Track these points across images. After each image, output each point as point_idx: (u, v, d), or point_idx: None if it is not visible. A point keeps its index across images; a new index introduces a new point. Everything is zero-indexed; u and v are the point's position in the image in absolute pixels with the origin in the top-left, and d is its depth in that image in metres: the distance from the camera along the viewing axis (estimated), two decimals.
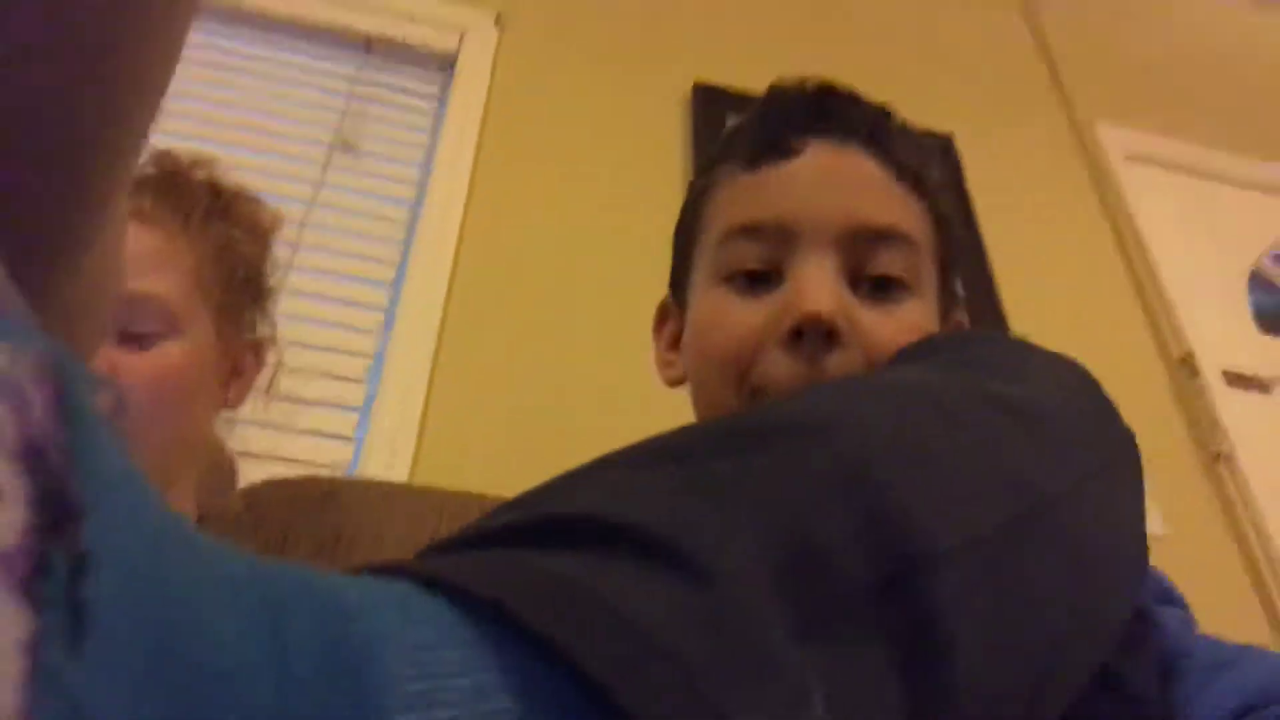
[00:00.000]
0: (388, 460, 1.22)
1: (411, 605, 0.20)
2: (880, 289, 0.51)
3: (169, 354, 0.69)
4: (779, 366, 0.49)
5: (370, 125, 1.63)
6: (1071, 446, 0.37)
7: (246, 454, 1.16)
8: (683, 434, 0.30)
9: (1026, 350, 0.47)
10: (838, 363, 0.49)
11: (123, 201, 0.29)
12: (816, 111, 0.56)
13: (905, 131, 0.57)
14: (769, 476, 0.27)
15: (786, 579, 0.24)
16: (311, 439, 1.24)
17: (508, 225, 1.54)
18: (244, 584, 0.16)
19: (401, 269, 1.46)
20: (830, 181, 0.53)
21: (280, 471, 1.07)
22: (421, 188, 1.57)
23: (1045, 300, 1.71)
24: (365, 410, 1.30)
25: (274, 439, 1.21)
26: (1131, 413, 1.60)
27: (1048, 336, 1.72)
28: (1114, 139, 2.03)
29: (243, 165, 1.49)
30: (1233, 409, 1.61)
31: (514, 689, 0.19)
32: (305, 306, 1.37)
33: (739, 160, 0.57)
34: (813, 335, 0.48)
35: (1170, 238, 1.88)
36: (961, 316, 0.59)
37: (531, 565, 0.22)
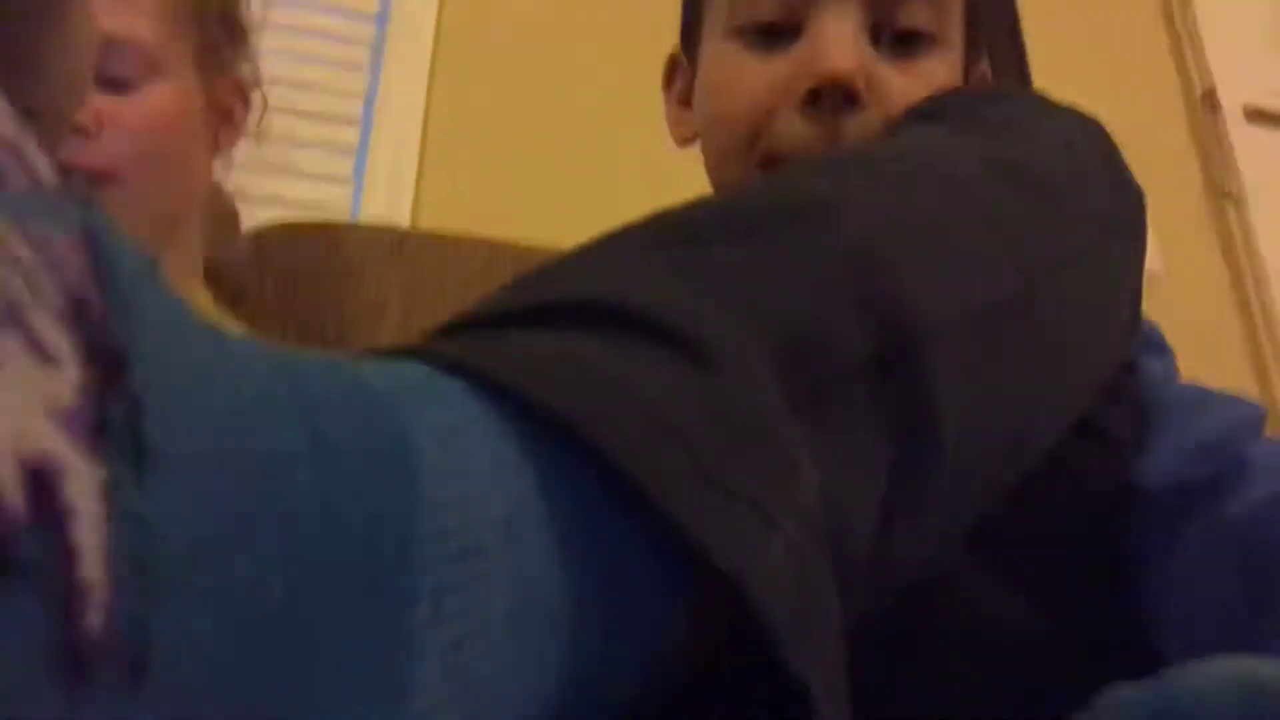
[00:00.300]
0: (388, 201, 1.21)
1: (436, 390, 0.21)
2: (904, 43, 0.49)
3: (155, 96, 0.67)
4: (794, 130, 0.47)
5: None
6: (1075, 214, 0.37)
7: (245, 198, 1.15)
8: (689, 214, 0.30)
9: (1041, 111, 0.46)
10: (857, 125, 0.47)
11: None
12: None
13: None
14: (773, 262, 0.28)
15: (787, 360, 0.26)
16: (310, 182, 1.23)
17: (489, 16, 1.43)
18: (281, 389, 0.17)
19: (386, 4, 1.37)
20: None
21: (281, 215, 1.07)
22: None
23: (1067, 27, 1.62)
24: (362, 151, 1.27)
25: (272, 183, 1.20)
26: (1146, 148, 1.58)
27: (1067, 67, 1.66)
28: None
29: None
30: (1251, 147, 1.57)
31: (536, 468, 0.20)
32: (289, 41, 1.31)
33: None
34: (832, 97, 0.46)
35: None
36: (985, 68, 0.56)
37: (544, 349, 0.23)
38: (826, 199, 0.31)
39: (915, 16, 0.49)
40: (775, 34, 0.49)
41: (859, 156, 0.37)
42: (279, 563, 0.15)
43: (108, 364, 0.13)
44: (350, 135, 1.28)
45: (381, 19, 1.36)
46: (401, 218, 1.20)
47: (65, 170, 0.54)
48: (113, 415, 0.13)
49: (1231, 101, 1.60)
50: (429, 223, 1.18)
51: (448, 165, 1.26)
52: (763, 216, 0.30)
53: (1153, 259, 1.45)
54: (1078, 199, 0.39)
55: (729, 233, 0.29)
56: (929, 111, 0.45)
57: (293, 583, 0.15)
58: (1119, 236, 0.41)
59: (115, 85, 0.66)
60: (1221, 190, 1.55)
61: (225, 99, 0.76)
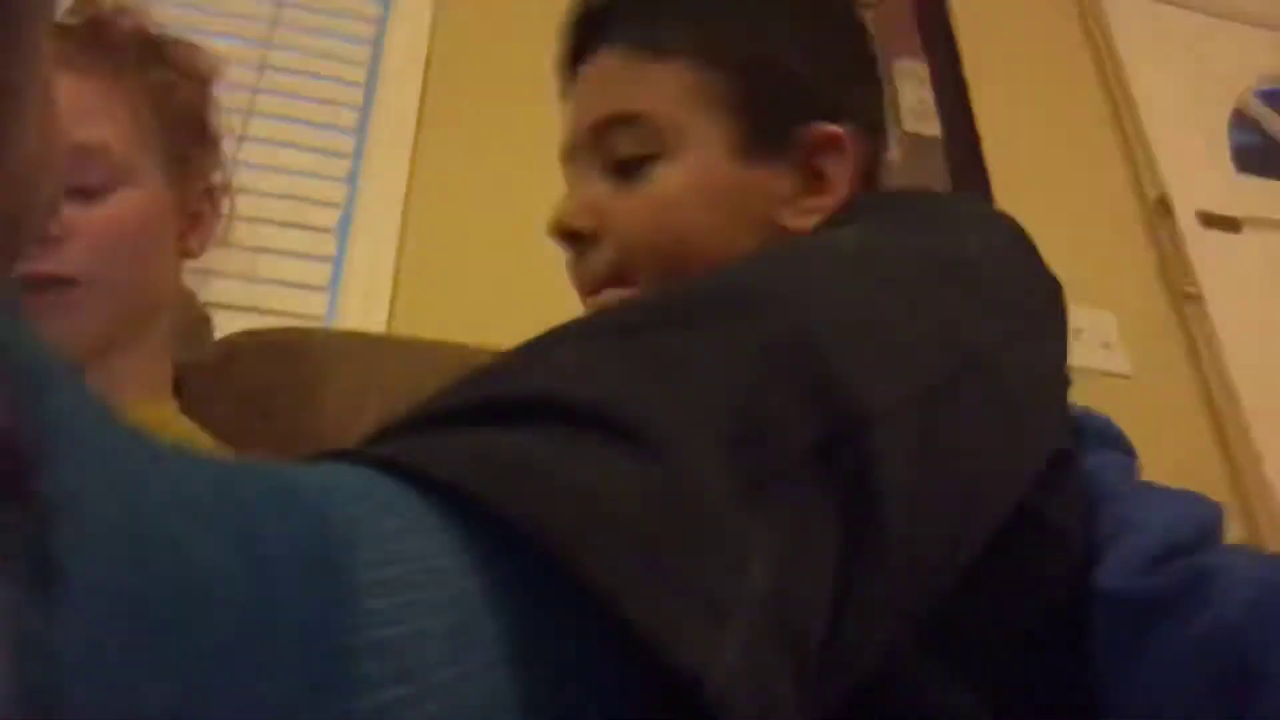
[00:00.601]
0: (363, 310, 1.22)
1: (376, 491, 0.20)
2: (626, 171, 0.55)
3: (120, 204, 0.68)
4: (569, 268, 0.59)
5: None
6: (1001, 302, 0.39)
7: (221, 306, 1.15)
8: (627, 309, 0.31)
9: (954, 205, 0.48)
10: (593, 259, 0.56)
11: (46, 48, 0.28)
12: (573, 40, 0.61)
13: (656, 3, 0.58)
14: (713, 351, 0.28)
15: (732, 448, 0.25)
16: (286, 290, 1.23)
17: (475, 60, 1.48)
18: (212, 497, 0.16)
19: (365, 112, 1.41)
20: (580, 96, 0.60)
21: (256, 323, 1.06)
22: (381, 26, 1.49)
23: (1023, 135, 1.69)
24: (338, 260, 1.28)
25: (248, 291, 1.20)
26: (1104, 252, 1.62)
27: (1024, 172, 1.71)
28: None
29: (193, 4, 1.41)
30: (1205, 250, 1.62)
31: (478, 568, 0.20)
32: (268, 155, 1.33)
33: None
34: (564, 243, 0.57)
35: (1155, 73, 1.84)
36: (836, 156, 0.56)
37: (486, 446, 0.22)
38: (759, 290, 0.32)
39: (623, 146, 0.56)
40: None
41: (788, 251, 0.38)
42: (205, 693, 0.14)
43: (16, 470, 0.12)
44: (327, 244, 1.29)
45: (360, 132, 1.39)
46: (377, 326, 1.20)
47: (32, 279, 0.54)
48: (18, 530, 0.12)
49: (1184, 207, 1.66)
50: (404, 331, 1.18)
51: (423, 274, 1.27)
52: (699, 308, 0.30)
53: (1119, 361, 1.49)
54: (1001, 288, 0.40)
55: (667, 325, 0.29)
56: (849, 213, 0.48)
57: (221, 713, 0.14)
58: (1043, 324, 0.43)
59: (83, 194, 0.66)
60: (1182, 292, 1.59)
61: (195, 204, 0.77)
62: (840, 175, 0.56)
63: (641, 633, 0.20)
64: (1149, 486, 0.53)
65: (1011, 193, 1.59)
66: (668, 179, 0.54)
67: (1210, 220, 1.67)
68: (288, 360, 0.93)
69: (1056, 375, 0.44)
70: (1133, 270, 1.62)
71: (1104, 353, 1.50)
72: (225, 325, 1.00)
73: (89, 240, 0.65)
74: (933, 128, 1.62)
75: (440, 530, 0.20)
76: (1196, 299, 1.57)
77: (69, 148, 0.66)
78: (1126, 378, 1.48)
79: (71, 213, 0.65)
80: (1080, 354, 1.48)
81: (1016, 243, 0.46)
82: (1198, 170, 1.74)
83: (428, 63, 1.44)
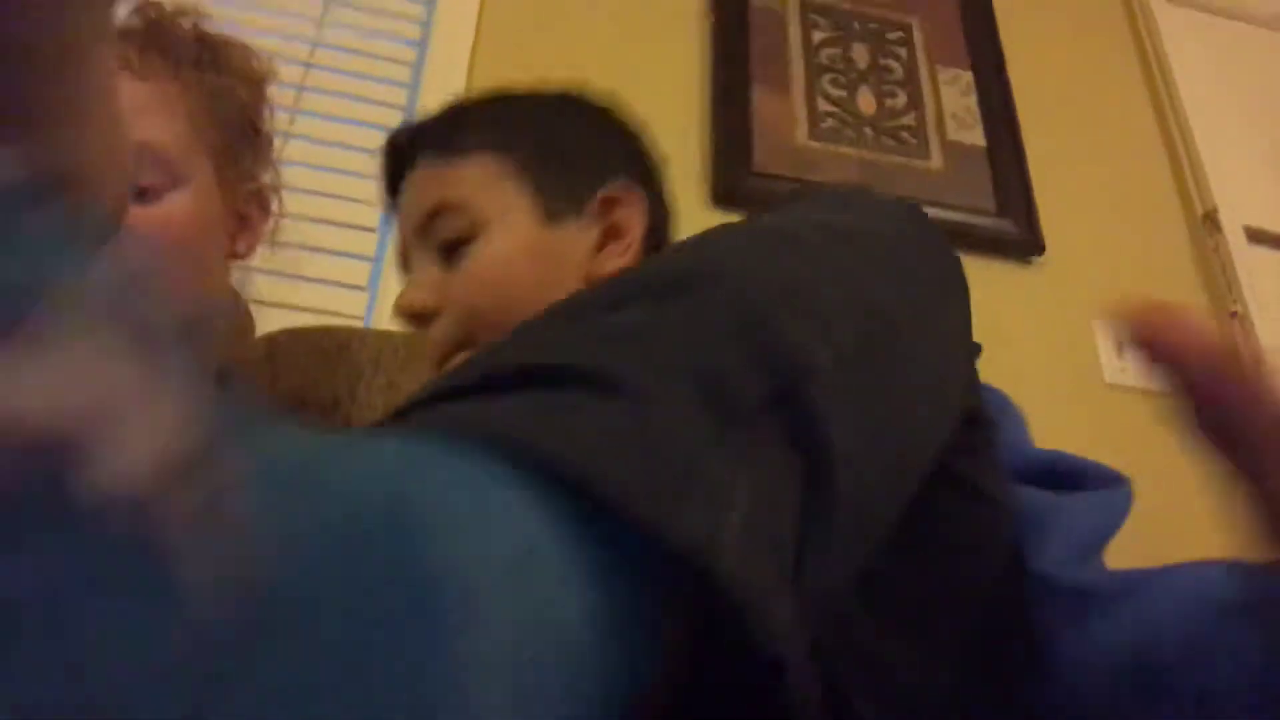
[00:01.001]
0: None
1: (447, 454, 0.24)
2: (453, 251, 0.65)
3: (174, 205, 0.69)
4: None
5: None
6: (902, 269, 0.44)
7: (261, 303, 1.17)
8: (606, 289, 0.36)
9: (859, 192, 0.54)
10: (438, 332, 0.65)
11: (109, 50, 0.30)
12: (390, 166, 0.73)
13: (449, 113, 0.72)
14: (668, 320, 0.33)
15: (700, 399, 0.29)
16: (326, 288, 1.25)
17: (516, 64, 1.48)
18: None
19: (409, 112, 1.42)
20: (404, 206, 0.70)
21: (295, 320, 1.08)
22: (426, 27, 1.50)
23: (1071, 151, 1.67)
24: (378, 259, 1.29)
25: (289, 288, 1.22)
26: (1148, 267, 1.60)
27: (1070, 189, 1.70)
28: None
29: (240, 3, 1.43)
30: (1252, 267, 1.59)
31: (533, 511, 0.23)
32: (314, 153, 1.34)
33: None
34: (411, 323, 0.66)
35: (1205, 86, 1.80)
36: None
37: (521, 409, 0.27)
38: (697, 268, 0.37)
39: (443, 231, 0.65)
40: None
41: (731, 232, 0.44)
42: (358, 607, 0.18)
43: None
44: (368, 244, 1.31)
45: None
46: None
47: None
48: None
49: (1232, 223, 1.63)
50: None
51: None
52: (663, 284, 0.35)
53: (1163, 379, 1.46)
54: (908, 258, 0.45)
55: (636, 299, 0.34)
56: (780, 207, 0.52)
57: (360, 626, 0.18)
58: (943, 291, 0.48)
59: (139, 194, 0.68)
60: (1228, 311, 1.56)
61: (244, 206, 0.78)
62: (632, 222, 0.68)
63: (649, 526, 0.23)
64: (1049, 453, 0.60)
65: (1055, 204, 1.57)
66: (488, 251, 0.64)
67: (1258, 236, 1.64)
68: (327, 359, 0.94)
69: (960, 338, 0.49)
70: (1178, 286, 1.59)
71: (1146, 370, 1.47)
72: (266, 322, 1.01)
73: (143, 240, 0.67)
74: (976, 137, 1.60)
75: (502, 482, 0.23)
76: (1242, 318, 1.54)
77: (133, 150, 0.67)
78: (1168, 395, 1.46)
79: (130, 213, 0.67)
80: (1123, 371, 1.46)
81: (917, 222, 0.50)
82: (1247, 185, 1.71)
83: (471, 64, 1.45)
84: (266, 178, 0.82)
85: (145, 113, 0.69)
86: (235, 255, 0.78)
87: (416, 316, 0.66)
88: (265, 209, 0.81)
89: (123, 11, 0.78)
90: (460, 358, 0.64)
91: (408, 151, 0.71)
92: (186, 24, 0.77)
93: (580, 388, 0.27)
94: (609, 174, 0.68)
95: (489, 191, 0.66)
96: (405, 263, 0.70)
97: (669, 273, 0.36)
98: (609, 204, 0.67)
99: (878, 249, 0.43)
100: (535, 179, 0.66)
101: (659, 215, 0.72)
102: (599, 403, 0.27)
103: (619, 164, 0.70)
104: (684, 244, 0.42)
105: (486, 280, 0.64)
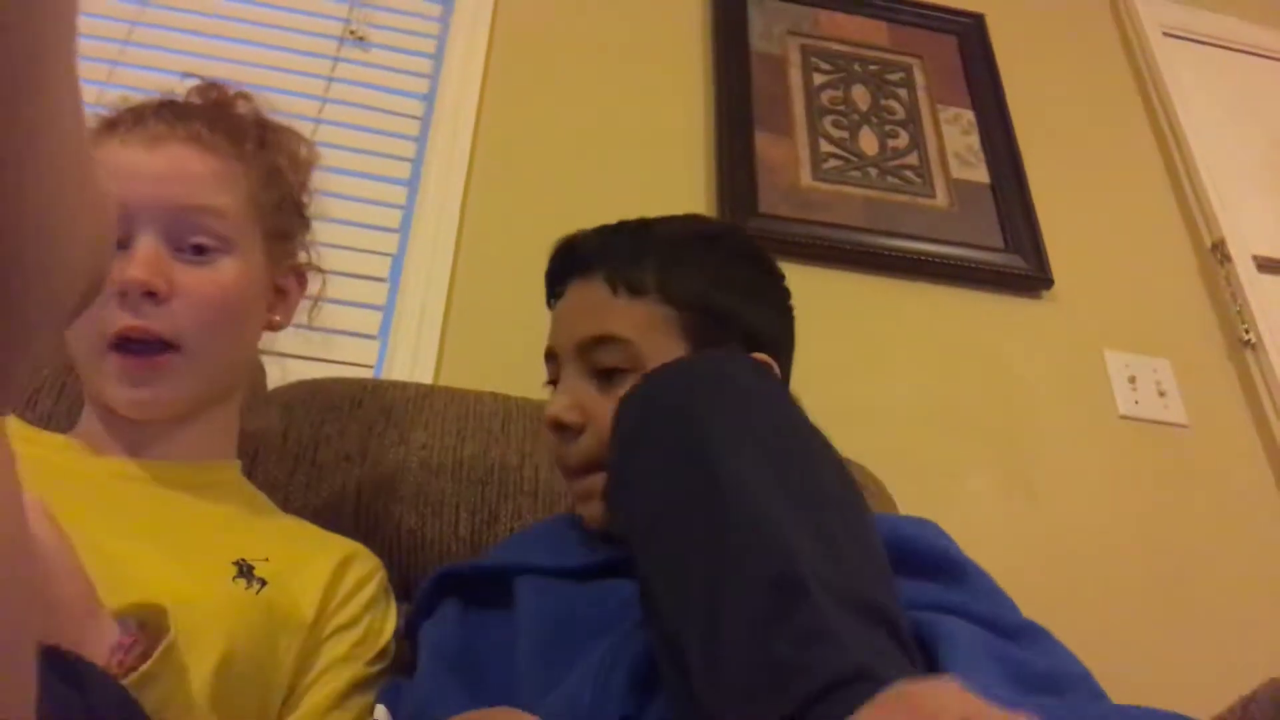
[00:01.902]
0: (412, 357, 1.23)
1: None
2: (608, 377, 0.72)
3: (225, 270, 0.72)
4: (554, 451, 0.77)
5: (380, 15, 1.59)
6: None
7: (272, 353, 1.18)
8: (815, 480, 0.52)
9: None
10: (578, 447, 0.72)
11: (77, 96, 0.28)
12: (562, 265, 0.80)
13: (631, 243, 0.77)
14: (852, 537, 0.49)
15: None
16: (337, 337, 1.25)
17: (523, 116, 1.51)
18: None
19: (417, 165, 1.44)
20: (568, 311, 0.77)
21: (307, 369, 1.09)
22: (434, 80, 1.53)
23: (1075, 186, 1.67)
24: (389, 308, 1.30)
25: (300, 337, 1.22)
26: (1158, 298, 1.59)
27: (1076, 224, 1.69)
28: (1152, 12, 1.95)
29: (252, 60, 1.47)
30: (1262, 296, 1.58)
31: None
32: (323, 204, 1.36)
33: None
34: (555, 433, 0.74)
35: (1207, 118, 1.82)
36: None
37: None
38: (852, 486, 0.53)
39: (608, 359, 0.72)
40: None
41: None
42: None
43: None
44: (378, 293, 1.32)
45: (413, 181, 1.42)
46: (424, 376, 1.22)
47: (135, 333, 0.57)
48: None
49: (1241, 252, 1.63)
50: (451, 378, 1.20)
51: (471, 323, 1.29)
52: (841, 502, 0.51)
53: (1177, 411, 1.45)
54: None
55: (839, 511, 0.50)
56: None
57: None
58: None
59: (194, 252, 0.71)
60: (1240, 339, 1.55)
61: (284, 279, 0.81)
62: None
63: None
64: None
65: (1062, 238, 1.57)
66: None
67: (1267, 265, 1.64)
68: (339, 413, 0.95)
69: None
70: (1188, 317, 1.58)
71: (1160, 401, 1.46)
72: (279, 373, 1.02)
73: (194, 303, 0.70)
74: (981, 175, 1.61)
75: None
76: (1255, 346, 1.53)
77: (193, 204, 0.70)
78: (1184, 427, 1.45)
79: (179, 270, 0.70)
80: (1136, 402, 1.45)
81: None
82: (1254, 214, 1.71)
83: (478, 117, 1.47)
84: (304, 255, 0.84)
85: (213, 182, 0.73)
86: (271, 326, 0.81)
87: (562, 429, 0.72)
88: (302, 284, 0.84)
89: (185, 90, 0.81)
90: (593, 480, 0.71)
91: (583, 264, 0.77)
92: (246, 107, 0.82)
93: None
94: (756, 343, 0.75)
95: (654, 335, 0.73)
96: (554, 365, 0.77)
97: (838, 485, 0.53)
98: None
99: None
100: (689, 334, 0.73)
101: (786, 372, 0.81)
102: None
103: (762, 326, 0.77)
104: (826, 453, 0.56)
105: None
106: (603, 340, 0.73)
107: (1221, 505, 1.39)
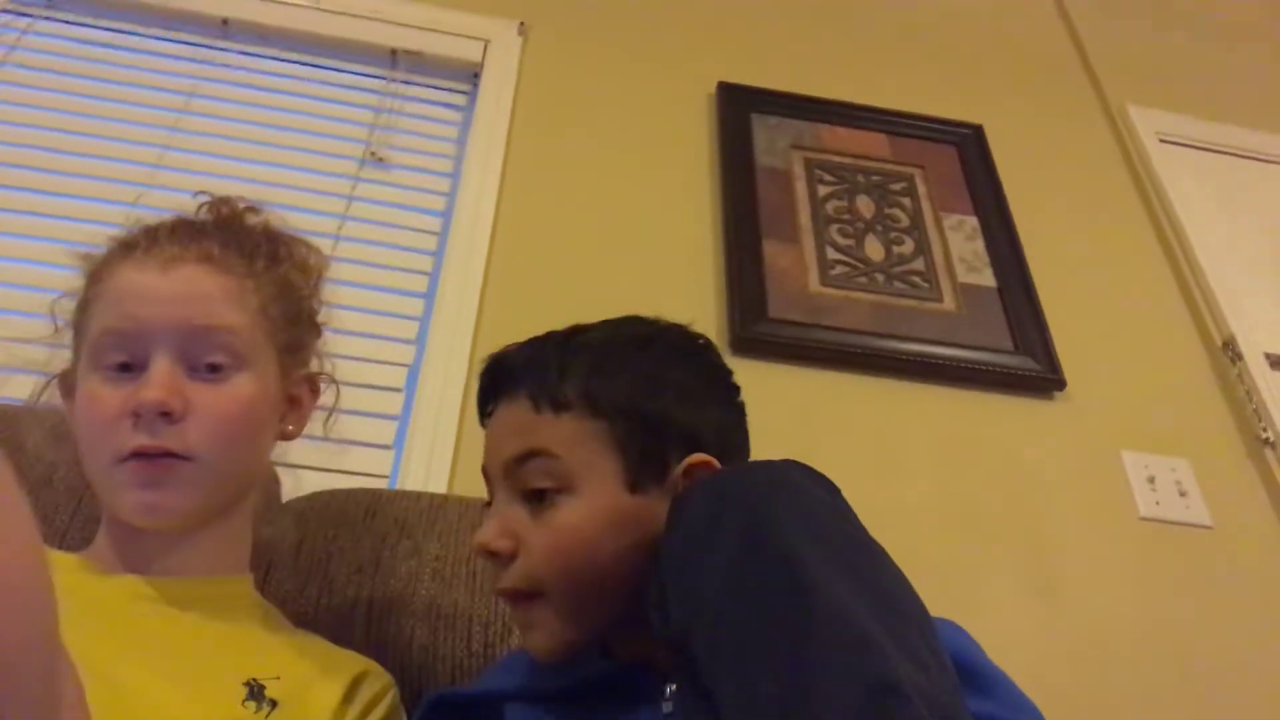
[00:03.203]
0: (426, 467, 1.24)
1: None
2: (538, 498, 0.68)
3: (239, 387, 0.73)
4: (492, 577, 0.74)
5: (399, 137, 1.65)
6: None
7: (287, 464, 1.18)
8: (890, 595, 0.52)
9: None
10: (511, 574, 0.68)
11: None
12: (489, 385, 0.76)
13: (555, 355, 0.73)
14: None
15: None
16: (352, 448, 1.26)
17: (538, 231, 1.55)
18: None
19: (434, 278, 1.47)
20: (496, 433, 0.73)
21: (321, 480, 1.09)
22: (451, 197, 1.58)
23: (1082, 289, 1.69)
24: (404, 419, 1.31)
25: (315, 447, 1.23)
26: (1173, 399, 1.58)
27: (1085, 326, 1.71)
28: (1146, 120, 2.00)
29: (275, 180, 1.52)
30: (1278, 393, 1.58)
31: None
32: (341, 318, 1.39)
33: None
34: (487, 559, 0.70)
35: (1207, 219, 1.85)
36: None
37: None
38: (914, 593, 0.54)
39: (533, 478, 0.68)
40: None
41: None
42: None
43: None
44: (393, 404, 1.33)
45: (429, 297, 1.45)
46: (438, 485, 1.22)
47: (153, 452, 0.58)
48: None
49: (1252, 350, 1.63)
50: (465, 490, 1.20)
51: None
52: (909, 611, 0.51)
53: (1199, 512, 1.43)
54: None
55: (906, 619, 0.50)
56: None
57: None
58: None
59: (209, 370, 0.72)
60: (1258, 438, 1.54)
61: (296, 389, 0.81)
62: None
63: None
64: None
65: (1072, 339, 1.58)
66: (572, 510, 0.67)
67: (1279, 363, 1.63)
68: (353, 525, 0.94)
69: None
70: (1204, 416, 1.58)
71: (1182, 501, 1.44)
72: (295, 484, 1.02)
73: (208, 420, 0.71)
74: (987, 279, 1.64)
75: None
76: (1274, 444, 1.52)
77: (205, 324, 0.72)
78: (1208, 529, 1.42)
79: (194, 389, 0.71)
80: (1157, 503, 1.43)
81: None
82: (1262, 313, 1.72)
83: (493, 233, 1.52)
84: (315, 364, 0.85)
85: (225, 301, 0.74)
86: (284, 435, 0.82)
87: (491, 556, 0.69)
88: (315, 393, 0.85)
89: (178, 200, 0.84)
90: (534, 610, 0.68)
91: (509, 380, 0.74)
92: (256, 221, 0.85)
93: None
94: (698, 445, 0.70)
95: (582, 450, 0.69)
96: (488, 485, 0.74)
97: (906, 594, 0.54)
98: (690, 472, 0.69)
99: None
100: (626, 450, 0.69)
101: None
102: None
103: (702, 427, 0.72)
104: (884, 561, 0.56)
105: (568, 541, 0.67)
106: (528, 456, 0.69)
107: (1247, 606, 1.35)
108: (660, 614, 0.55)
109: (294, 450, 1.15)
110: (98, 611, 0.68)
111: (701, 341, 0.78)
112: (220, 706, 0.65)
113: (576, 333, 0.77)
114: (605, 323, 0.77)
